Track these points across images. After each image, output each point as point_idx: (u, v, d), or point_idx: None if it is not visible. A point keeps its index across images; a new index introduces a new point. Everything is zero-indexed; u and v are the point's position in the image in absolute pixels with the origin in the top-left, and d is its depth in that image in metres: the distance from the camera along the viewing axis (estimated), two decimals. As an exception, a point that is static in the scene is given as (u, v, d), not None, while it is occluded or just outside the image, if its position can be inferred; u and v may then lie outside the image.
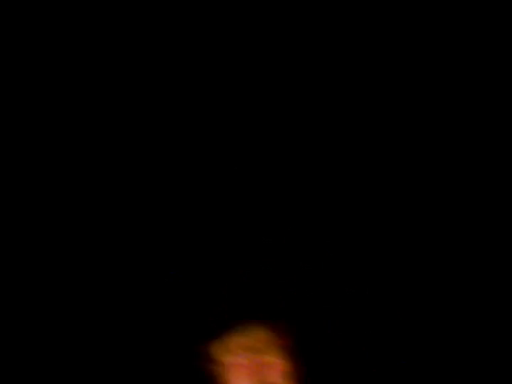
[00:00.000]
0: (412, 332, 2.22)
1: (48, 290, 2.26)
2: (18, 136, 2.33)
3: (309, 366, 2.03)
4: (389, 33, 2.34)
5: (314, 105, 2.35)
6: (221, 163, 2.35)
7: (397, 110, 2.34)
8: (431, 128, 2.33)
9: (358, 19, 2.34)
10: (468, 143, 2.32)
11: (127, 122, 2.36)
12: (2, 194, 2.30)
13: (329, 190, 2.31)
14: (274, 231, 2.29)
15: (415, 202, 2.30)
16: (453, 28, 2.33)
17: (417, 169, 2.32)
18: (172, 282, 2.26)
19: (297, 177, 2.33)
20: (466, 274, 2.25)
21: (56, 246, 2.29)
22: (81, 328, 2.24)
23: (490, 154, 2.31)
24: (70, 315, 2.25)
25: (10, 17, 2.30)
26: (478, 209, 2.29)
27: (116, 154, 2.35)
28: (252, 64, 2.35)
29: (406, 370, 2.18)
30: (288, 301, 2.19)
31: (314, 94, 2.35)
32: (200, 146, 2.36)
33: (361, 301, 2.25)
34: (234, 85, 2.35)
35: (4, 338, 2.22)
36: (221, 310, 1.99)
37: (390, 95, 2.34)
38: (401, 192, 2.31)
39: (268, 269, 2.20)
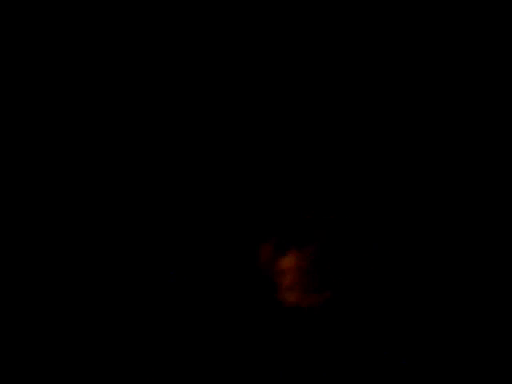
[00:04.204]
0: (412, 332, 2.22)
1: (48, 290, 2.26)
2: (17, 137, 2.33)
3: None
4: (389, 33, 2.34)
5: (314, 105, 2.36)
6: (220, 164, 2.35)
7: (397, 111, 2.35)
8: (431, 129, 2.33)
9: (358, 19, 2.34)
10: (468, 144, 2.32)
11: (127, 122, 2.36)
12: (2, 195, 2.30)
13: (328, 189, 2.32)
14: (272, 230, 2.30)
15: (414, 202, 2.30)
16: (453, 28, 2.33)
17: (416, 169, 2.32)
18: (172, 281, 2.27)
19: (296, 179, 2.34)
20: (466, 274, 2.25)
21: (56, 246, 2.29)
22: (81, 328, 2.24)
23: (489, 155, 2.31)
24: (69, 315, 2.25)
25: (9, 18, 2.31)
26: (478, 209, 2.29)
27: (115, 155, 2.35)
28: (252, 64, 2.36)
29: (406, 370, 2.18)
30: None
31: (313, 95, 2.36)
32: (199, 146, 2.36)
33: (361, 300, 2.25)
34: (234, 85, 2.36)
35: (4, 338, 2.22)
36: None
37: (389, 96, 2.35)
38: (400, 192, 2.31)
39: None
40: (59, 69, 2.35)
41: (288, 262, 2.22)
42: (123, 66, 2.36)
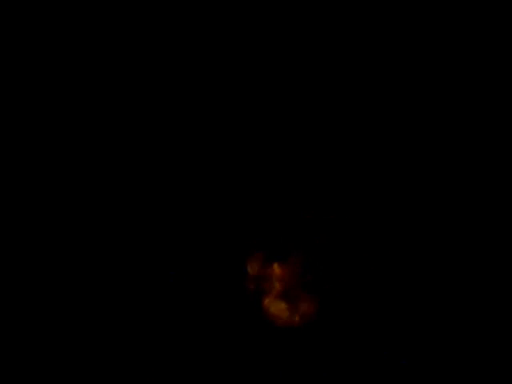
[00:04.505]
0: (412, 332, 2.22)
1: (48, 290, 2.26)
2: (17, 137, 2.34)
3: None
4: (389, 33, 2.35)
5: (313, 105, 2.36)
6: (219, 164, 2.35)
7: (396, 111, 2.35)
8: (431, 129, 2.34)
9: (358, 19, 2.35)
10: (468, 144, 2.32)
11: (127, 122, 2.36)
12: (2, 196, 2.30)
13: (328, 189, 2.32)
14: (272, 230, 2.30)
15: (415, 202, 2.31)
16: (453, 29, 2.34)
17: (416, 170, 2.32)
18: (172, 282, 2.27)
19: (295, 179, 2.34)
20: (466, 275, 2.25)
21: (56, 247, 2.29)
22: (81, 327, 2.24)
23: (489, 155, 2.31)
24: (70, 315, 2.25)
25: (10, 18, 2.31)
26: (478, 209, 2.29)
27: (115, 155, 2.35)
28: (251, 64, 2.36)
29: (406, 370, 2.18)
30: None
31: (313, 94, 2.36)
32: (199, 146, 2.36)
33: (360, 300, 2.25)
34: (232, 85, 2.36)
35: (4, 338, 2.22)
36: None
37: (389, 96, 2.35)
38: (400, 192, 2.31)
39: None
40: (59, 69, 2.35)
41: (278, 270, 2.24)
42: (123, 66, 2.36)
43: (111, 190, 2.33)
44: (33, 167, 2.33)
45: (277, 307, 2.21)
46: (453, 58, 2.34)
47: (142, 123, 2.36)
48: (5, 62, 2.32)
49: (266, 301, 2.21)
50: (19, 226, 2.30)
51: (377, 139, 2.34)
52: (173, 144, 2.36)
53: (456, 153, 2.32)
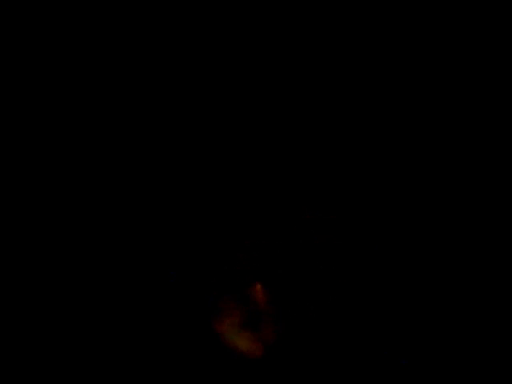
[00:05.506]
0: (412, 332, 2.22)
1: (48, 290, 2.26)
2: (17, 137, 2.34)
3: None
4: (389, 33, 2.35)
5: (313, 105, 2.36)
6: (219, 164, 2.35)
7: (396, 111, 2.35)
8: (431, 129, 2.34)
9: (358, 19, 2.35)
10: (468, 144, 2.33)
11: (127, 122, 2.36)
12: (2, 196, 2.31)
13: (328, 189, 2.32)
14: (271, 231, 2.30)
15: (416, 202, 2.31)
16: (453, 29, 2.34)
17: (417, 170, 2.33)
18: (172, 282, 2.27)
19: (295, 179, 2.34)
20: (466, 275, 2.25)
21: (56, 247, 2.29)
22: (80, 327, 2.24)
23: (489, 155, 2.32)
24: (69, 315, 2.25)
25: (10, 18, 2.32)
26: (478, 210, 2.29)
27: (115, 155, 2.35)
28: (251, 64, 2.36)
29: (406, 370, 2.18)
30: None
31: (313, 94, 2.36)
32: (199, 146, 2.36)
33: (360, 301, 2.25)
34: (234, 85, 2.36)
35: (4, 338, 2.23)
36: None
37: (389, 96, 2.35)
38: (401, 192, 2.32)
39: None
40: (59, 69, 2.35)
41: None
42: (123, 66, 2.36)
43: (111, 191, 2.34)
44: (33, 167, 2.33)
45: (240, 338, 2.16)
46: (453, 58, 2.35)
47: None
48: (5, 62, 2.33)
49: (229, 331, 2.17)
50: (19, 226, 2.30)
51: (377, 139, 2.34)
52: (172, 144, 2.36)
53: (456, 153, 2.32)
